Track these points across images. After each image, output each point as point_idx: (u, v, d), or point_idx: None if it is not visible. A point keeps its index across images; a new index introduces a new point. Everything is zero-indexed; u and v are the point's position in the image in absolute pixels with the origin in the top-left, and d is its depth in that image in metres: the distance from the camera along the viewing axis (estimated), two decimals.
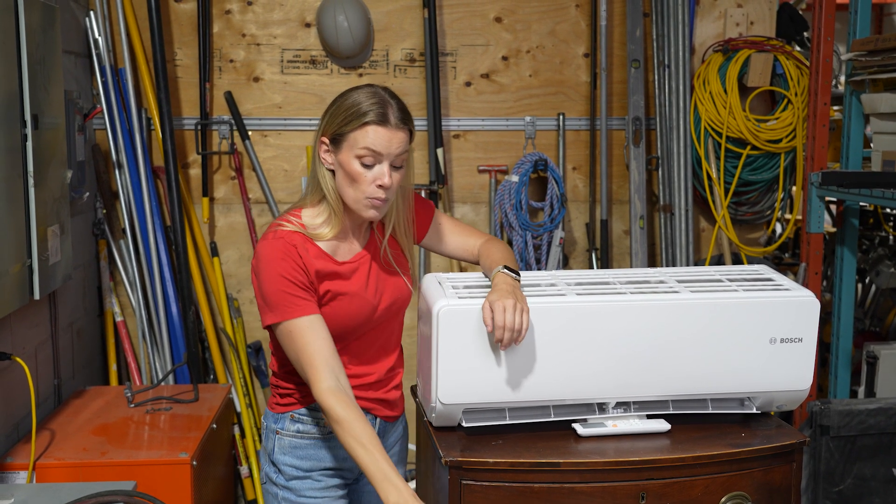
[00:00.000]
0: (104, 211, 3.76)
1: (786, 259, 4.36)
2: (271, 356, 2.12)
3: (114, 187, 3.76)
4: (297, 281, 1.88)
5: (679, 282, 2.15)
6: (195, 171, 3.90)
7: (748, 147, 3.89)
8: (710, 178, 3.93)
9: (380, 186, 1.89)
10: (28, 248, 2.80)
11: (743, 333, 2.07)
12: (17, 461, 2.82)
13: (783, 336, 2.08)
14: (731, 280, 2.18)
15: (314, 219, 1.97)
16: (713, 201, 3.95)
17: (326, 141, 1.93)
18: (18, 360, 2.80)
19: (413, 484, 2.57)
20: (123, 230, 3.74)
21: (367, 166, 1.88)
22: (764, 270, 2.25)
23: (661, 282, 2.16)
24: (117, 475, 2.78)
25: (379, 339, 2.09)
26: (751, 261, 3.87)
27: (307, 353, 1.88)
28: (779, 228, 4.68)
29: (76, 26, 3.59)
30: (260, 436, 3.73)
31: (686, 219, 3.92)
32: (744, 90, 3.93)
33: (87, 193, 3.62)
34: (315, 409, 2.03)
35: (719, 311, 2.07)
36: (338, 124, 1.90)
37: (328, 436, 2.05)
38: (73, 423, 3.14)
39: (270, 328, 1.92)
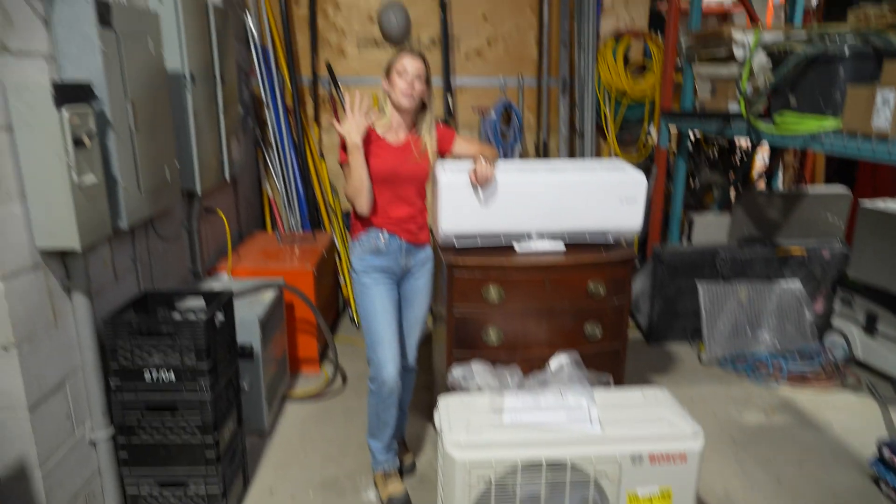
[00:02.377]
0: (260, 132, 3.76)
1: (651, 165, 4.36)
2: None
3: (265, 118, 3.75)
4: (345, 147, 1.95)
5: (573, 168, 2.22)
6: (310, 109, 3.89)
7: (627, 97, 3.86)
8: (605, 116, 3.93)
9: (407, 84, 1.97)
10: (220, 150, 2.85)
11: (604, 195, 2.15)
12: (220, 267, 2.99)
13: (625, 197, 2.15)
14: (601, 167, 2.23)
15: (379, 121, 2.05)
16: (607, 129, 3.95)
17: (384, 78, 2.02)
18: (220, 212, 2.97)
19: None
20: (271, 144, 3.76)
21: (400, 75, 1.97)
22: (619, 163, 2.30)
23: (564, 168, 2.22)
24: (274, 275, 2.92)
25: (401, 193, 2.04)
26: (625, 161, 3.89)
27: (346, 176, 1.98)
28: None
29: (239, 21, 3.53)
30: (349, 258, 3.96)
31: (591, 140, 3.92)
32: (626, 62, 3.88)
33: (251, 122, 3.61)
34: (368, 234, 2.04)
35: (593, 183, 2.14)
36: (388, 63, 2.01)
37: (376, 249, 2.04)
38: (249, 250, 3.26)
39: (341, 166, 2.01)
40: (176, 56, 2.42)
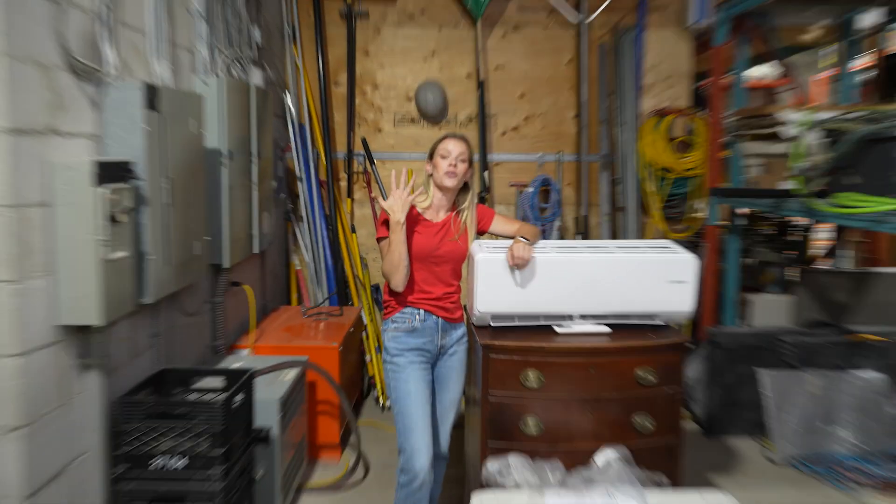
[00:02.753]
0: (291, 206, 3.87)
1: (700, 242, 4.32)
2: (383, 285, 2.29)
3: (297, 192, 3.85)
4: (386, 221, 2.04)
5: (617, 247, 2.21)
6: (343, 183, 3.99)
7: (672, 173, 3.86)
8: (647, 192, 3.93)
9: (450, 165, 2.09)
10: (250, 224, 2.93)
11: (651, 276, 2.13)
12: (243, 343, 3.00)
13: (675, 279, 2.13)
14: (647, 247, 2.22)
15: (419, 202, 2.14)
16: (650, 205, 3.94)
17: (428, 160, 2.16)
18: (246, 287, 3.00)
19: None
20: (301, 217, 3.84)
21: (444, 157, 2.10)
22: (667, 243, 2.29)
23: (606, 247, 2.22)
24: (297, 353, 2.90)
25: (439, 272, 2.12)
26: (675, 242, 3.85)
27: (383, 253, 2.06)
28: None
29: (278, 99, 3.70)
30: (378, 339, 3.88)
31: (635, 216, 3.92)
32: (669, 139, 3.90)
33: (283, 195, 3.70)
34: (403, 313, 2.10)
35: (638, 263, 2.13)
36: (432, 148, 2.15)
37: (411, 329, 2.09)
38: (272, 325, 3.29)
39: (378, 241, 2.09)
40: (216, 134, 2.55)
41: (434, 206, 2.14)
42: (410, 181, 2.13)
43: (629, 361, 2.08)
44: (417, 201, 2.13)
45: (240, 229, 2.79)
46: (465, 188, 2.20)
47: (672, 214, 4.04)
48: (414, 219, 2.11)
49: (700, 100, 4.19)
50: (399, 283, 2.05)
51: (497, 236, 2.27)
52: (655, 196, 3.92)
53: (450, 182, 2.10)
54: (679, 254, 2.19)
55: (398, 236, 2.01)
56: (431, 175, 2.16)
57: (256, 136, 2.91)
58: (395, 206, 2.00)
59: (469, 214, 2.19)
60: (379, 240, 2.10)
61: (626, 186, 3.95)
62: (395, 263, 2.03)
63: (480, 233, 2.30)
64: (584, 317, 2.20)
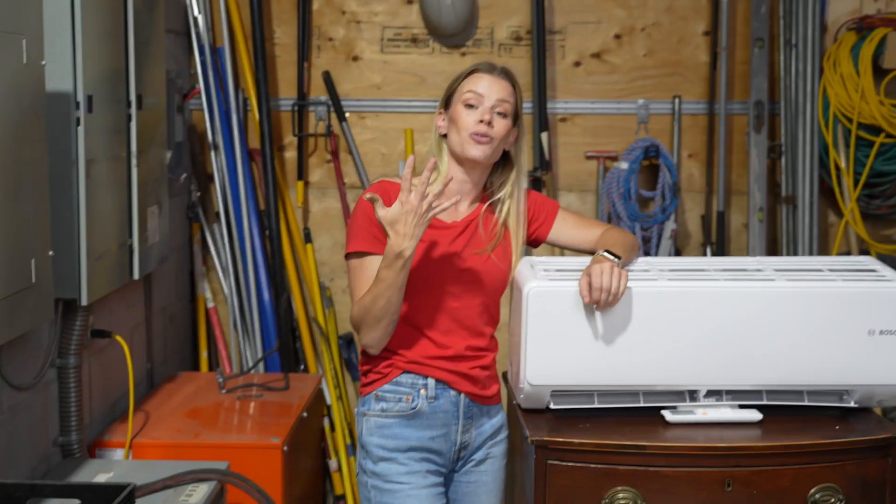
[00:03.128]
0: (198, 194, 3.92)
1: None
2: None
3: (209, 169, 3.90)
4: (375, 225, 2.06)
5: (777, 270, 2.23)
6: (290, 154, 4.03)
7: (882, 134, 3.82)
8: (838, 168, 3.89)
9: (480, 122, 2.10)
10: (129, 228, 2.94)
11: (840, 324, 2.14)
12: (114, 439, 3.01)
13: (883, 328, 2.13)
14: (832, 270, 2.23)
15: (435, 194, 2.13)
16: (841, 193, 3.90)
17: (442, 110, 2.20)
18: (119, 338, 3.00)
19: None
20: (217, 214, 3.89)
21: (471, 106, 2.13)
22: (869, 262, 2.31)
23: (759, 270, 2.24)
24: (210, 456, 2.87)
25: (456, 312, 2.16)
26: (882, 259, 3.84)
27: (359, 289, 2.10)
28: None
29: (176, 4, 3.74)
30: (350, 431, 3.91)
31: (811, 212, 3.89)
32: (879, 72, 3.85)
33: (184, 175, 3.73)
34: (397, 384, 2.15)
35: (815, 300, 2.14)
36: (450, 89, 2.19)
37: (411, 413, 2.14)
38: (166, 406, 3.30)
39: (348, 258, 2.14)
40: (65, 67, 2.55)
41: (450, 193, 2.15)
42: (436, 177, 2.11)
43: (797, 473, 2.10)
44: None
45: (108, 237, 2.77)
46: (505, 161, 2.24)
47: (879, 209, 4.01)
48: None
49: None
50: (375, 342, 2.11)
51: (565, 251, 2.30)
52: (849, 177, 3.87)
53: (478, 152, 2.13)
54: (892, 282, 2.20)
55: (395, 276, 2.02)
56: (446, 136, 2.20)
57: (136, 70, 2.90)
58: (407, 226, 1.98)
59: (512, 209, 2.23)
60: (351, 255, 2.14)
61: (796, 160, 3.93)
62: (376, 314, 2.06)
63: (533, 242, 2.31)
64: (716, 394, 2.22)
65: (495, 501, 2.26)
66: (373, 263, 2.08)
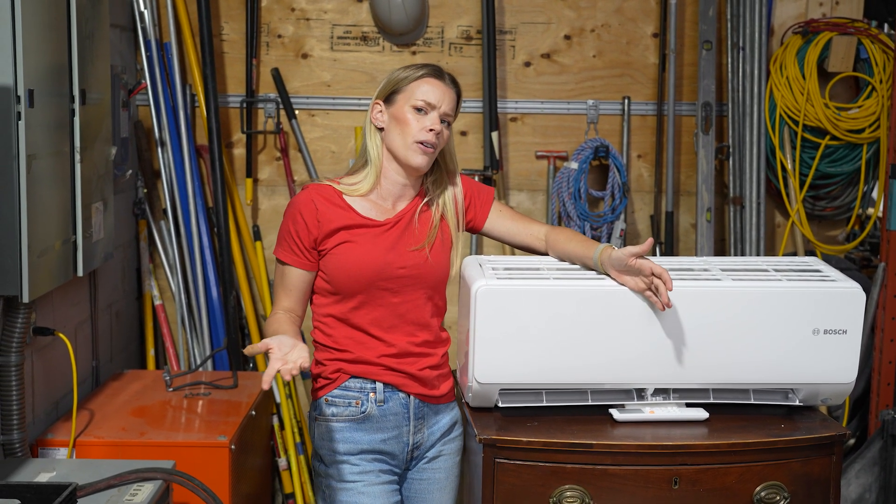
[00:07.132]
0: (145, 190, 3.88)
1: (875, 261, 4.31)
2: (310, 332, 2.29)
3: (156, 166, 3.86)
4: (297, 237, 2.15)
5: (723, 270, 2.26)
6: (239, 151, 4.01)
7: (827, 137, 3.86)
8: (784, 169, 3.92)
9: (430, 131, 2.12)
10: (73, 225, 2.93)
11: (784, 323, 2.17)
12: (57, 437, 2.98)
13: (826, 327, 2.17)
14: (777, 270, 2.27)
15: (352, 178, 2.20)
16: (787, 195, 3.94)
17: (380, 102, 2.20)
18: (62, 336, 2.96)
19: None
20: (164, 211, 3.87)
21: (420, 111, 2.14)
22: (814, 262, 2.34)
23: (705, 269, 2.27)
24: (156, 455, 2.88)
25: (399, 307, 2.18)
26: (827, 259, 3.84)
27: (278, 293, 2.21)
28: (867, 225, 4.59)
29: (122, 1, 3.71)
30: (301, 429, 3.86)
31: (758, 213, 3.92)
32: (824, 76, 3.90)
33: (130, 171, 3.71)
34: (345, 388, 2.18)
35: (761, 300, 2.17)
36: (394, 83, 2.18)
37: (361, 417, 2.17)
38: (111, 404, 3.27)
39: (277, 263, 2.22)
40: (6, 61, 2.54)
41: (382, 194, 2.20)
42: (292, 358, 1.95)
43: (743, 472, 2.12)
44: (348, 184, 2.20)
45: (50, 234, 2.78)
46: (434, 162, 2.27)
47: (825, 210, 4.05)
48: (343, 217, 2.16)
49: (879, 6, 4.18)
50: None
51: (516, 251, 2.33)
52: (795, 178, 3.92)
53: (422, 160, 2.16)
54: (836, 282, 2.22)
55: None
56: (382, 130, 2.20)
57: (79, 64, 2.90)
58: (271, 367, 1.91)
59: (448, 201, 2.25)
60: (278, 262, 2.22)
61: (743, 161, 3.96)
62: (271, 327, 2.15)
63: (471, 230, 2.32)
64: (663, 392, 2.25)
65: (450, 497, 2.27)
66: (291, 274, 2.17)
